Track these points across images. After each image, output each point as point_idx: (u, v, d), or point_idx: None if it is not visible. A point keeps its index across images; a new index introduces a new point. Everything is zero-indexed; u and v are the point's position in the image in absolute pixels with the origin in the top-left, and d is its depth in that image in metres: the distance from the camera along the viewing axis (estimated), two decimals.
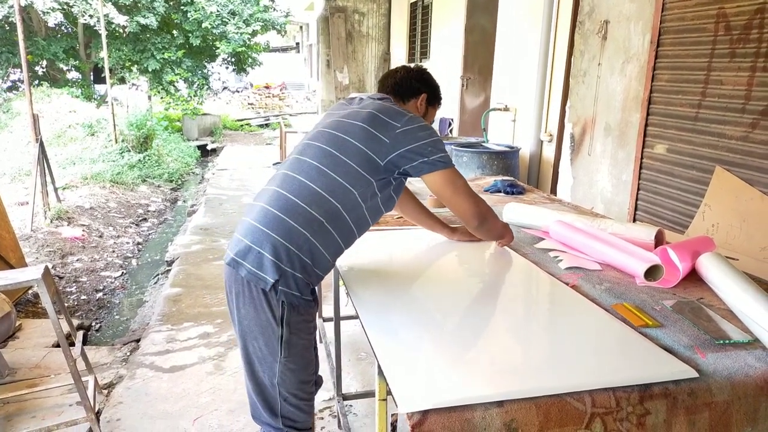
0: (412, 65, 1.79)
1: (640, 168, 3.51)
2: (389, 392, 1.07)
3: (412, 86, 1.69)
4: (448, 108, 7.10)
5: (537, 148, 4.82)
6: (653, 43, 3.32)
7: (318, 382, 1.60)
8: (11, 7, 8.62)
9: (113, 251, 4.94)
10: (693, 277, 1.65)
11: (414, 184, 2.16)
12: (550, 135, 4.66)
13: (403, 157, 1.46)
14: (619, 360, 1.20)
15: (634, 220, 3.56)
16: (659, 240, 1.84)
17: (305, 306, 1.44)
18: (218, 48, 12.04)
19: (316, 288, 1.52)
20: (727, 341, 1.25)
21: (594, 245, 1.81)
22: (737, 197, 2.77)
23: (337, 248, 1.47)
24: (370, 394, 2.41)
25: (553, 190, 4.58)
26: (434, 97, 1.74)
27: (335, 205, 1.42)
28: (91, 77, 12.01)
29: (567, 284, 1.60)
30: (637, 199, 3.57)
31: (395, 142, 1.45)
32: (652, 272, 1.60)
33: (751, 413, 1.13)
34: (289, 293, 1.40)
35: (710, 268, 1.56)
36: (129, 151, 7.79)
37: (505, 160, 4.43)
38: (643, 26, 3.43)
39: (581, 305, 1.46)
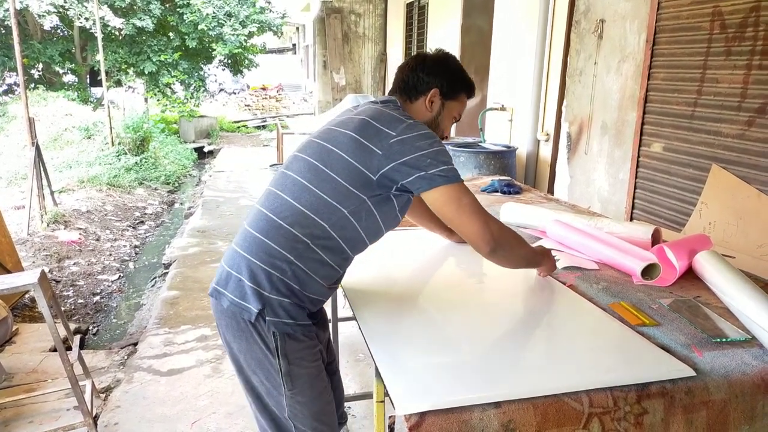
0: (432, 51, 1.48)
1: (637, 166, 3.52)
2: (387, 394, 1.07)
3: (419, 81, 1.42)
4: None
5: (534, 148, 4.82)
6: (649, 41, 3.32)
7: (343, 418, 1.53)
8: (6, 10, 8.59)
9: (110, 254, 4.92)
10: (690, 275, 1.65)
11: None
12: (547, 134, 4.66)
13: (398, 171, 1.26)
14: (616, 359, 1.20)
15: (631, 219, 3.56)
16: (656, 238, 1.85)
17: (303, 332, 1.31)
18: (214, 50, 12.03)
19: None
20: (724, 339, 1.25)
21: (591, 244, 1.81)
22: (734, 195, 2.78)
23: (330, 271, 1.33)
24: (368, 396, 2.41)
25: (550, 190, 4.58)
26: (451, 88, 1.44)
27: (322, 224, 1.27)
28: (88, 80, 12.00)
29: (564, 283, 1.60)
30: (634, 198, 3.57)
31: (389, 153, 1.25)
32: (649, 271, 1.60)
33: (749, 411, 1.13)
34: (279, 322, 1.28)
35: (707, 266, 1.56)
36: (125, 153, 7.77)
37: (502, 159, 4.43)
38: (639, 25, 3.43)
39: (578, 304, 1.46)
